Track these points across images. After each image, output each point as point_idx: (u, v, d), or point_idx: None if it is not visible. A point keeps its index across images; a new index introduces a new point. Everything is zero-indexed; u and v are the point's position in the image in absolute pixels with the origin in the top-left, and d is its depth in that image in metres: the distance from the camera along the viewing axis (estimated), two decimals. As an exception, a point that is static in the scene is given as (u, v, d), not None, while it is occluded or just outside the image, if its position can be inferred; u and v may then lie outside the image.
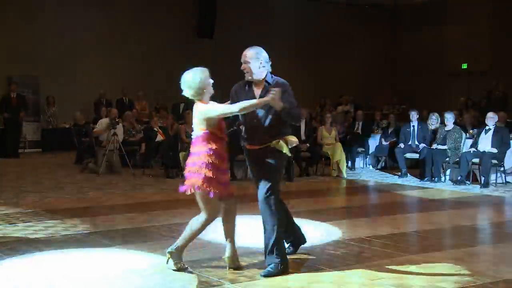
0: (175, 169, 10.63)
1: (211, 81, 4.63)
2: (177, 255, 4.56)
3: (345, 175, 11.06)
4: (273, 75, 4.69)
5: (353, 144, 12.42)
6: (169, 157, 10.64)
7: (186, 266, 4.57)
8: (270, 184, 4.53)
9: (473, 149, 10.00)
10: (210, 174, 4.37)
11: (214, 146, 4.44)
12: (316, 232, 6.06)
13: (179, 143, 10.72)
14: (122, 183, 9.71)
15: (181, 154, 10.44)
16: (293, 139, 4.66)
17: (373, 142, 12.76)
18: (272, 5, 18.79)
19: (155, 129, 10.93)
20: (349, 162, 12.01)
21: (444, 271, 4.69)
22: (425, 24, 19.81)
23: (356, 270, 4.65)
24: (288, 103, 4.45)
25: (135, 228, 6.17)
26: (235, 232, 4.66)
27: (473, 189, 9.46)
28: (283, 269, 4.48)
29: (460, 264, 4.88)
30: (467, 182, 9.94)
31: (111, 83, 15.43)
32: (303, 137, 11.22)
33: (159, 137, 10.82)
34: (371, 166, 12.63)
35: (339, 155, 11.06)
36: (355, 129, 13.03)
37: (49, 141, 15.06)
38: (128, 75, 16.02)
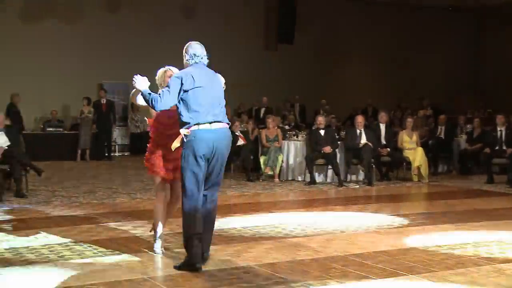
0: (256, 173, 10.86)
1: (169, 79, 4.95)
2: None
3: (426, 180, 10.86)
4: (191, 66, 4.81)
5: (435, 149, 12.16)
6: (250, 160, 10.87)
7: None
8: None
9: None
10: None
11: (153, 135, 5.15)
12: (398, 238, 6.04)
13: (259, 147, 10.94)
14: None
15: (262, 158, 10.65)
16: (183, 132, 4.64)
17: (457, 147, 12.43)
18: (351, 10, 18.68)
19: (237, 133, 11.20)
20: (432, 167, 11.76)
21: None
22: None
23: (442, 277, 4.59)
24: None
25: (217, 230, 6.36)
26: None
27: None
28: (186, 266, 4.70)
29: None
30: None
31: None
32: (383, 142, 11.12)
33: (240, 141, 11.09)
34: (454, 171, 12.32)
35: (421, 160, 10.87)
36: (438, 133, 12.75)
37: (136, 144, 15.76)
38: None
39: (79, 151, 14.23)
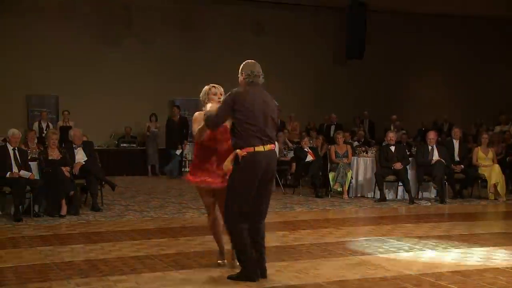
0: (325, 189, 10.78)
1: (213, 96, 5.17)
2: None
3: (504, 198, 10.42)
4: (247, 86, 4.89)
5: (513, 165, 11.66)
6: (319, 177, 10.80)
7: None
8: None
9: None
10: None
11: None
12: (474, 258, 5.81)
13: (328, 163, 10.85)
14: (273, 201, 9.95)
15: (331, 174, 10.56)
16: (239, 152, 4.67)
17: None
18: (421, 24, 18.31)
19: (305, 149, 11.17)
20: (510, 185, 11.27)
21: None
22: None
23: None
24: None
25: (286, 246, 6.37)
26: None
27: None
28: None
29: None
30: None
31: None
32: (456, 158, 10.77)
33: (309, 157, 11.04)
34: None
35: (497, 177, 10.45)
36: (516, 149, 12.22)
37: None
38: (279, 96, 16.54)
39: (149, 167, 14.60)
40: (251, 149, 4.68)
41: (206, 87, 5.29)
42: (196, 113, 5.22)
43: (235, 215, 4.75)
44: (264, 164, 4.73)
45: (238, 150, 4.69)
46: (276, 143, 5.02)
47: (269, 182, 4.89)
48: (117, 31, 15.72)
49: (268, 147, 4.76)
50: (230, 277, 4.92)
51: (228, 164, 4.73)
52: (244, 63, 4.97)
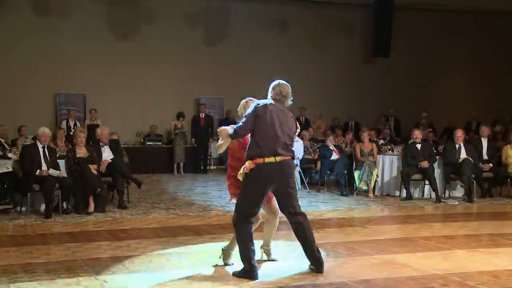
0: (350, 187, 10.72)
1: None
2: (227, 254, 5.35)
3: (534, 197, 10.25)
4: (272, 100, 5.02)
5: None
6: (344, 175, 10.75)
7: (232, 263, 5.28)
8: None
9: None
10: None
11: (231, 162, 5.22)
12: (501, 258, 5.73)
13: (353, 162, 10.79)
14: (299, 200, 9.98)
15: (356, 173, 10.50)
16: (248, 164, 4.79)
17: None
18: (448, 21, 18.05)
19: (330, 147, 11.12)
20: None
21: None
22: None
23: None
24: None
25: (311, 244, 6.34)
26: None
27: None
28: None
29: None
30: None
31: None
32: (485, 157, 10.61)
33: (334, 155, 10.99)
34: None
35: (527, 176, 10.27)
36: (546, 148, 11.97)
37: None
38: (303, 94, 16.50)
39: (175, 165, 14.70)
40: (260, 160, 4.79)
41: (243, 101, 5.29)
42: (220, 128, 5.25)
43: (241, 214, 4.91)
44: (274, 174, 4.83)
45: (248, 162, 4.81)
46: (294, 151, 5.09)
47: (285, 190, 4.95)
48: (143, 30, 15.83)
49: (279, 158, 4.83)
50: (233, 273, 5.01)
51: (241, 174, 4.88)
52: (276, 82, 5.06)
